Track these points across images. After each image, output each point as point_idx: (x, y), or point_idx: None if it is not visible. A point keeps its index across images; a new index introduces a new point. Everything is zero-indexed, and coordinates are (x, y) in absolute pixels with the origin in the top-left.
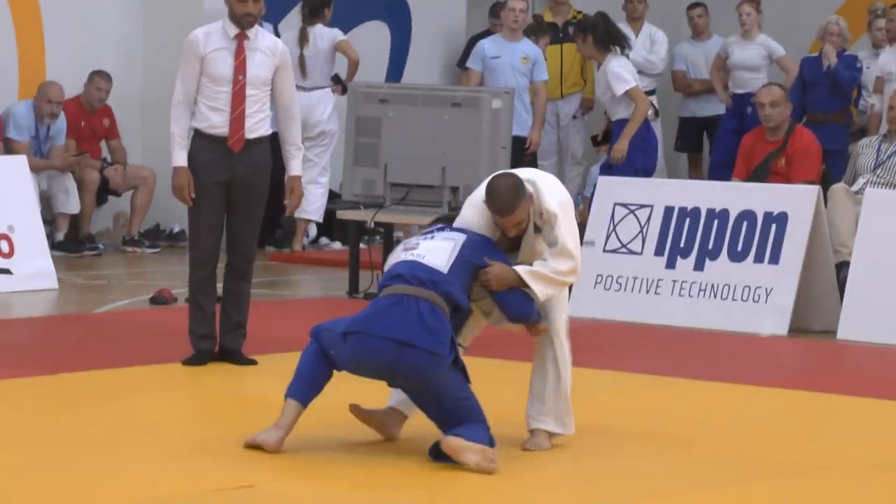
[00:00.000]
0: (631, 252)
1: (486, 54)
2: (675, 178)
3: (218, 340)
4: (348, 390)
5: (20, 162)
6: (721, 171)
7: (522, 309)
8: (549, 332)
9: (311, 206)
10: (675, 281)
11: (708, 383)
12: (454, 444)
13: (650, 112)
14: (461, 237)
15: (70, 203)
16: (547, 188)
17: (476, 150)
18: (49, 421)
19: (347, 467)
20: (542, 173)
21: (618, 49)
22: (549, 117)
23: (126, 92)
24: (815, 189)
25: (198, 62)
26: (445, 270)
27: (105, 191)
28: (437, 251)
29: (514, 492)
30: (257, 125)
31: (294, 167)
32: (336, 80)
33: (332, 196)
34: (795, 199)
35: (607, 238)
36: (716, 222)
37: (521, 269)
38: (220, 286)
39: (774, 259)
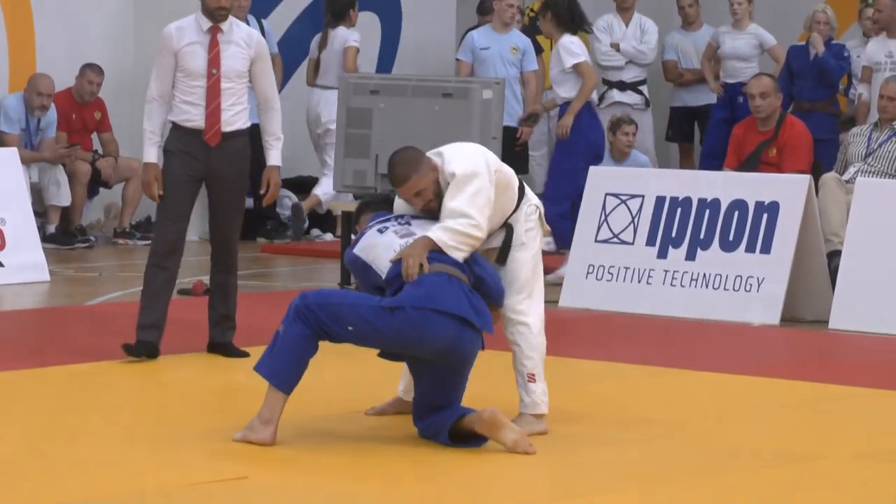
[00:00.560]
0: (622, 242)
1: (476, 45)
2: (666, 168)
3: (209, 334)
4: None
5: (11, 154)
6: (712, 161)
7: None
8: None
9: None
10: (666, 271)
11: (699, 373)
12: (494, 418)
13: (641, 101)
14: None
15: (61, 195)
16: (453, 157)
17: (467, 140)
18: (40, 414)
19: (339, 458)
20: (460, 144)
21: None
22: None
23: (117, 84)
24: (806, 178)
25: (171, 57)
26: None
27: (96, 183)
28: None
29: (501, 481)
30: (234, 118)
31: (273, 157)
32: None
33: None
34: (787, 189)
35: (599, 228)
36: (707, 212)
37: (427, 233)
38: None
39: (766, 249)
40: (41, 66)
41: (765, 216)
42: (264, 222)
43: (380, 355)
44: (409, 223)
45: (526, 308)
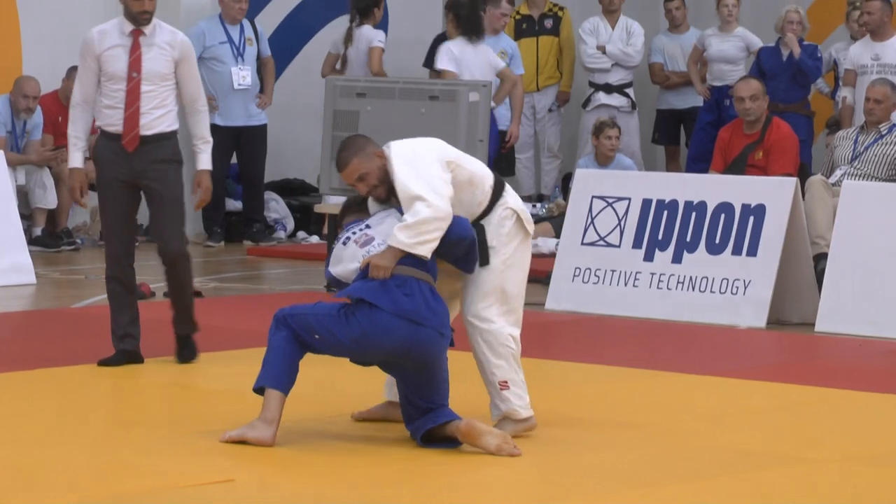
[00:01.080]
0: (609, 245)
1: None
2: (652, 171)
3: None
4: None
5: None
6: (699, 164)
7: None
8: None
9: None
10: (653, 274)
11: (686, 376)
12: (469, 425)
13: (627, 104)
14: (393, 211)
15: (47, 198)
16: (402, 146)
17: (453, 143)
18: (26, 417)
19: (327, 461)
20: (417, 139)
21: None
22: (525, 110)
23: None
24: (792, 181)
25: (94, 62)
26: None
27: None
28: (392, 232)
29: (490, 484)
30: (155, 122)
31: (202, 161)
32: None
33: (309, 189)
34: (773, 192)
35: (585, 231)
36: (693, 215)
37: (388, 240)
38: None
39: (752, 251)
40: (27, 68)
41: (751, 219)
42: (251, 225)
43: (351, 360)
44: (368, 226)
45: (492, 315)
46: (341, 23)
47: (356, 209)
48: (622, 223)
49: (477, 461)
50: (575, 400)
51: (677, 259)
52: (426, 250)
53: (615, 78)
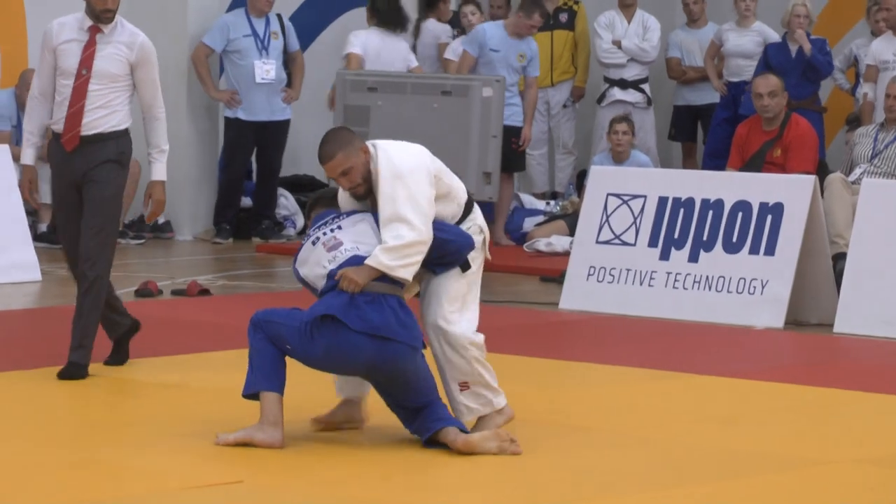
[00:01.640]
0: (624, 243)
1: (487, 44)
2: (668, 168)
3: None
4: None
5: (2, 152)
6: (715, 161)
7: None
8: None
9: None
10: (669, 273)
11: (702, 377)
12: (467, 442)
13: (643, 100)
14: (367, 216)
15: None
16: (389, 151)
17: (466, 138)
18: (32, 416)
19: (336, 462)
20: (403, 143)
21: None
22: (539, 106)
23: None
24: (811, 179)
25: (51, 55)
26: None
27: None
28: (364, 239)
29: (502, 486)
30: (98, 122)
31: (157, 171)
32: None
33: (319, 186)
34: (791, 190)
35: (600, 229)
36: (710, 213)
37: (368, 260)
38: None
39: (770, 250)
40: (33, 62)
41: (769, 217)
42: (260, 221)
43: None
44: (339, 227)
45: (456, 319)
46: (360, 13)
47: (326, 203)
48: (638, 221)
49: (490, 463)
50: (588, 401)
51: (694, 258)
52: (407, 273)
53: (630, 73)
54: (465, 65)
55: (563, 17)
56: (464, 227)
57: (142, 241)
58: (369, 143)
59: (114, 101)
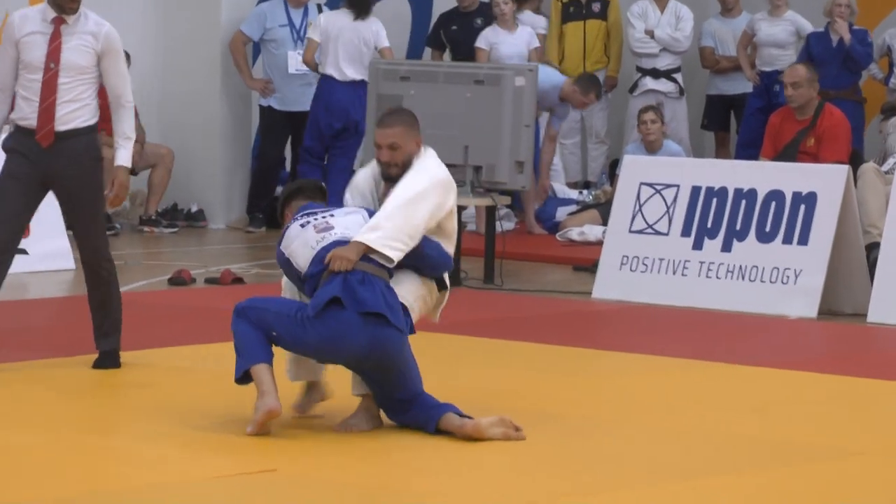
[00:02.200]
0: (657, 233)
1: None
2: (701, 158)
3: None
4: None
5: None
6: (748, 151)
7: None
8: None
9: None
10: (702, 262)
11: (735, 366)
12: (476, 428)
13: (675, 90)
14: (361, 210)
15: None
16: (437, 162)
17: (498, 128)
18: (65, 403)
19: (369, 450)
20: (443, 172)
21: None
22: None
23: (142, 70)
24: (844, 169)
25: (13, 47)
26: None
27: None
28: (355, 229)
29: (532, 475)
30: (71, 116)
31: (121, 157)
32: None
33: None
34: (825, 179)
35: (633, 218)
36: (743, 202)
37: (356, 237)
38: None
39: (803, 240)
40: None
41: (802, 207)
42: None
43: (314, 360)
44: (331, 215)
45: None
46: (393, 3)
47: (308, 195)
48: (671, 210)
49: (520, 451)
50: (621, 390)
51: (727, 247)
52: (394, 253)
53: (663, 63)
54: (481, 61)
55: (596, 6)
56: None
57: (175, 229)
58: (425, 147)
59: (83, 94)
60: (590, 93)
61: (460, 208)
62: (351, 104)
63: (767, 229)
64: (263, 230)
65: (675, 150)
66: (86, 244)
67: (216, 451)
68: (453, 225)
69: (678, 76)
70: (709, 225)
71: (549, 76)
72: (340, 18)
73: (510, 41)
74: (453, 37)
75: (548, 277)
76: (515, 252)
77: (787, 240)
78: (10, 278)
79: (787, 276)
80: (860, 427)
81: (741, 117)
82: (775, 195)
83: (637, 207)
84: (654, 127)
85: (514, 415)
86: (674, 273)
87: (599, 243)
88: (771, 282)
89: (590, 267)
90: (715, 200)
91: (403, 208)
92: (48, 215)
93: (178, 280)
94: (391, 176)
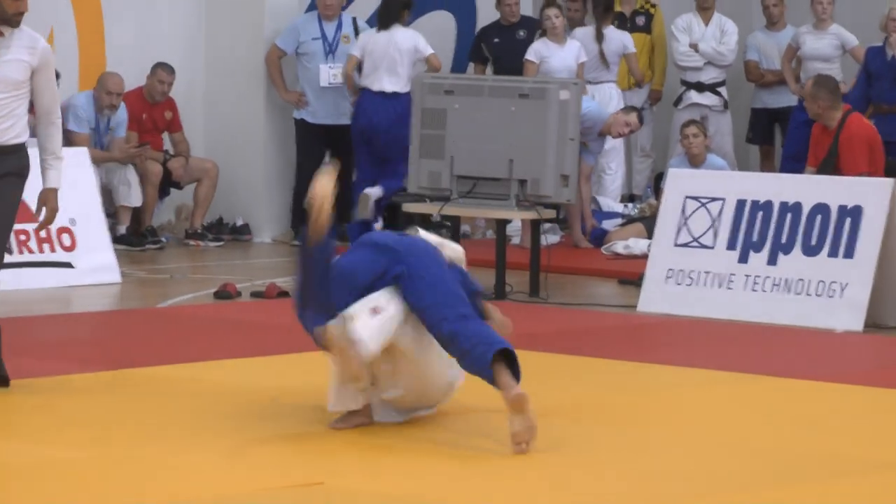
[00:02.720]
0: (702, 246)
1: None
2: (746, 171)
3: None
4: None
5: (81, 154)
6: (793, 164)
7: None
8: None
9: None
10: (747, 276)
11: (781, 379)
12: (519, 402)
13: (719, 103)
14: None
15: (132, 196)
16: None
17: (543, 141)
18: (111, 417)
19: (415, 463)
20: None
21: None
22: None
23: (187, 84)
24: (890, 182)
25: None
26: None
27: (168, 183)
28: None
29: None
30: (2, 133)
31: (50, 178)
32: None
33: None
34: (870, 192)
35: (678, 232)
36: (789, 216)
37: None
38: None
39: (849, 253)
40: (111, 64)
41: (848, 220)
42: (339, 224)
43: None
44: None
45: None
46: (437, 16)
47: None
48: (716, 224)
49: (570, 462)
50: (667, 403)
51: (772, 261)
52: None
53: (707, 76)
54: (529, 74)
55: (641, 20)
56: None
57: (220, 243)
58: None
59: (16, 109)
60: (631, 112)
61: (506, 222)
62: (391, 117)
63: (813, 242)
64: None
65: (718, 164)
66: None
67: (262, 464)
68: None
69: (723, 90)
70: (754, 238)
71: (595, 108)
72: (375, 36)
73: (560, 55)
74: (495, 50)
75: (593, 291)
76: (561, 265)
77: (833, 253)
78: (55, 291)
79: (833, 290)
80: None
81: (786, 130)
82: (821, 208)
83: (682, 221)
84: (697, 141)
85: (561, 429)
86: (719, 286)
87: (645, 257)
88: (817, 295)
89: (635, 280)
90: (760, 214)
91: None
92: (94, 229)
93: (224, 294)
94: None
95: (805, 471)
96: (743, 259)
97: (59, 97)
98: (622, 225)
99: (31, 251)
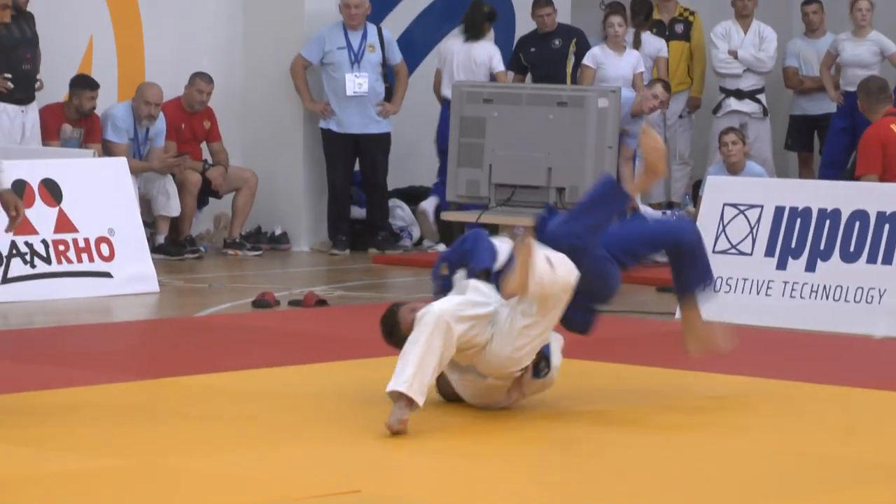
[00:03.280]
0: (741, 253)
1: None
2: (785, 178)
3: None
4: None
5: (120, 164)
6: (832, 171)
7: None
8: None
9: None
10: (786, 282)
11: (821, 386)
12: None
13: (759, 110)
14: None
15: (171, 205)
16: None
17: (582, 150)
18: (151, 425)
19: (451, 470)
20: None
21: None
22: (656, 116)
23: (226, 93)
24: None
25: None
26: None
27: (206, 193)
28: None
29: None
30: None
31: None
32: None
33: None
34: None
35: (717, 239)
36: (827, 222)
37: None
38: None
39: (888, 259)
40: (150, 74)
41: (886, 226)
42: (376, 233)
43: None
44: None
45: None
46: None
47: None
48: (754, 231)
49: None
50: (704, 410)
51: (811, 267)
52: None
53: (747, 84)
54: (587, 79)
55: (679, 27)
56: None
57: (259, 252)
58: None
59: None
60: (655, 84)
61: None
62: None
63: (852, 249)
64: (347, 252)
65: (757, 172)
66: None
67: (299, 472)
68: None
69: (762, 97)
70: (793, 245)
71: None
72: (454, 41)
73: (617, 63)
74: (532, 59)
75: (632, 298)
76: None
77: (872, 259)
78: (94, 301)
79: (872, 296)
80: None
81: (825, 137)
82: (859, 215)
83: (721, 228)
84: (736, 148)
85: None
86: (758, 293)
87: None
88: (855, 301)
89: (673, 288)
90: (799, 220)
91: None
92: (133, 239)
93: (262, 302)
94: None
95: (846, 478)
96: (781, 266)
97: None
98: None
99: (69, 261)
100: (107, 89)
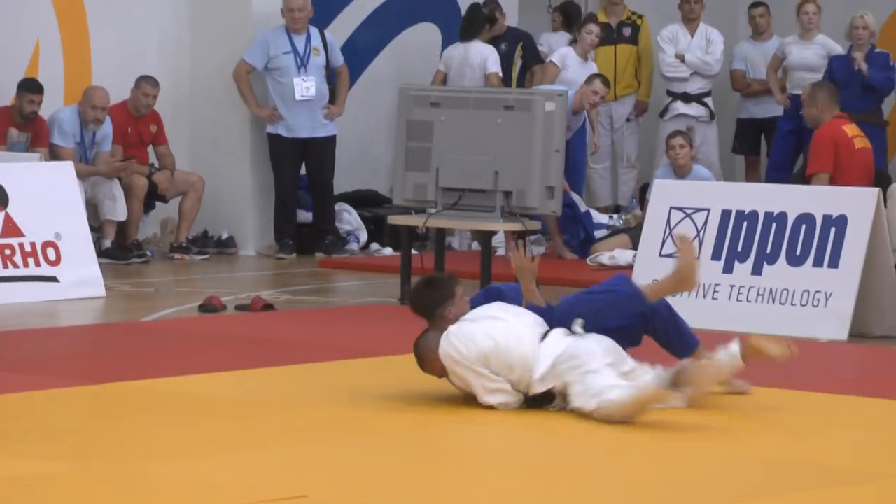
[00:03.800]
0: None
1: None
2: (732, 181)
3: None
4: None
5: (67, 168)
6: (779, 174)
7: None
8: None
9: None
10: (732, 286)
11: (766, 389)
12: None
13: (705, 114)
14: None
15: (117, 210)
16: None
17: (529, 153)
18: (95, 431)
19: (399, 475)
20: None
21: None
22: (602, 120)
23: (172, 97)
24: (874, 191)
25: None
26: None
27: (153, 197)
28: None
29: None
30: None
31: None
32: None
33: (382, 201)
34: (854, 202)
35: (663, 242)
36: (774, 226)
37: None
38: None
39: (834, 263)
40: (96, 78)
41: (832, 230)
42: (323, 237)
43: None
44: None
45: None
46: (422, 28)
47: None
48: (701, 234)
49: (565, 481)
50: (653, 415)
51: (757, 271)
52: None
53: (694, 87)
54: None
55: (627, 31)
56: None
57: (205, 256)
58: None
59: None
60: (593, 80)
61: (491, 233)
62: None
63: (798, 252)
64: (294, 256)
65: (704, 175)
66: None
67: (245, 478)
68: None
69: (709, 100)
70: (739, 248)
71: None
72: (456, 45)
73: (580, 68)
74: None
75: None
76: (546, 277)
77: (818, 263)
78: (40, 306)
79: (818, 300)
80: (892, 450)
81: (771, 140)
82: (805, 218)
83: (667, 231)
84: (683, 152)
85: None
86: (704, 297)
87: (630, 267)
88: (801, 305)
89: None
90: (745, 224)
91: None
92: (79, 244)
93: (209, 307)
94: None
95: (791, 481)
96: (728, 269)
97: None
98: (607, 236)
99: (15, 265)
100: (53, 93)
